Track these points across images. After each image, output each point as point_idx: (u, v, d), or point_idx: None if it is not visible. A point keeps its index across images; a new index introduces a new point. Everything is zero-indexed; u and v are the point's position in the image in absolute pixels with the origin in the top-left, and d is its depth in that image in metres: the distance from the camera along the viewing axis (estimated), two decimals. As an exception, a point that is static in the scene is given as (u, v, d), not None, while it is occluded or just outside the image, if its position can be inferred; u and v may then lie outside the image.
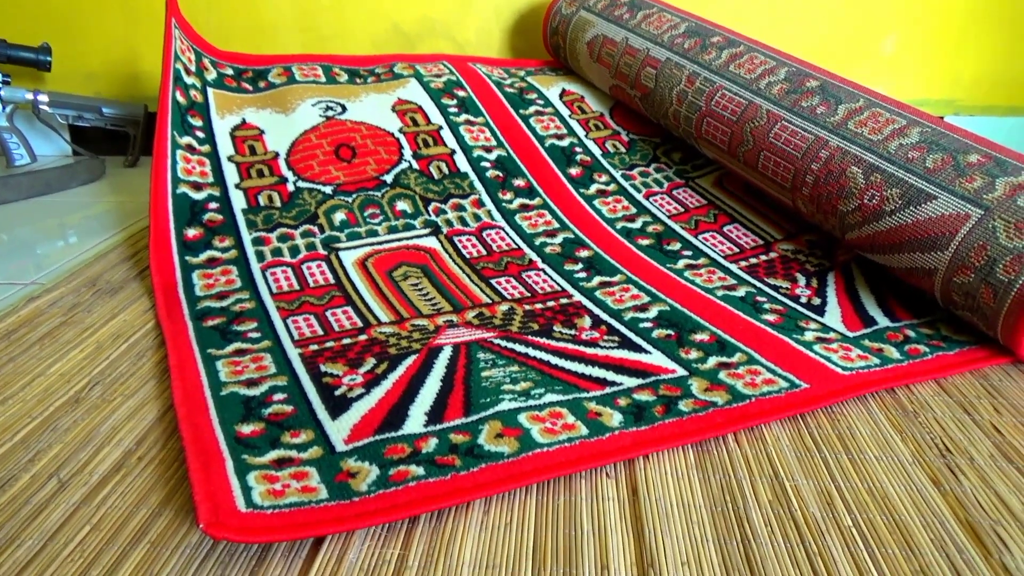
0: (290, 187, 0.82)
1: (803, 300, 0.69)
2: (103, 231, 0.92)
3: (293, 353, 0.60)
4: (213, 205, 0.78)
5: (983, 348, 0.61)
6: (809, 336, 0.62)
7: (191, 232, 0.75)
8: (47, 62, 1.15)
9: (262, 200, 0.80)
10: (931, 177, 0.64)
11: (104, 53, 1.24)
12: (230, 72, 0.94)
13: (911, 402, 0.55)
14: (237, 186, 0.81)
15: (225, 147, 0.84)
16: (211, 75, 0.92)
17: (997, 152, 0.65)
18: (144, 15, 1.21)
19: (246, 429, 0.49)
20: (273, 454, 0.47)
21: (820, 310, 0.68)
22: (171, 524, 0.42)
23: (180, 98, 0.84)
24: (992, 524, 0.42)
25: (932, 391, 0.56)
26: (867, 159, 0.69)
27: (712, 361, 0.58)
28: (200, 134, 0.84)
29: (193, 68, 0.89)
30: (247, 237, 0.76)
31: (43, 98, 1.16)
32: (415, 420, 0.50)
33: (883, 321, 0.66)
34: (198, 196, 0.79)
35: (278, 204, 0.80)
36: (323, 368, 0.57)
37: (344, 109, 0.92)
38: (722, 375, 0.56)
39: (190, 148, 0.82)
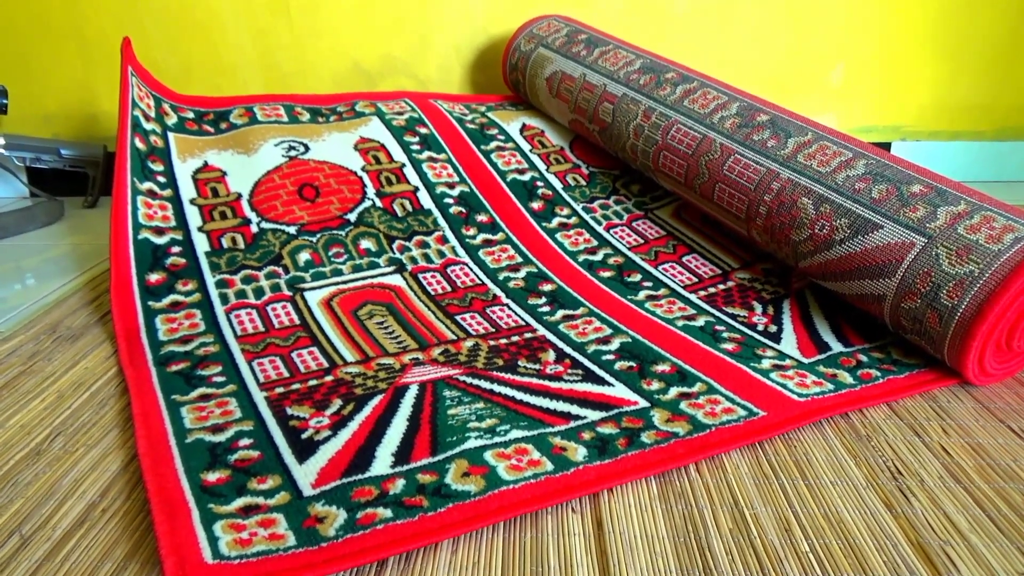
0: (254, 228, 0.83)
1: (760, 328, 0.71)
2: (62, 275, 0.91)
3: (259, 397, 0.60)
4: (176, 249, 0.78)
5: (932, 371, 0.64)
6: (766, 364, 0.64)
7: (153, 277, 0.75)
8: (3, 105, 1.14)
9: (225, 242, 0.81)
10: (877, 207, 0.67)
11: (61, 94, 1.24)
12: (191, 115, 0.94)
13: (864, 426, 0.57)
14: (200, 229, 0.81)
15: (187, 190, 0.84)
16: (171, 120, 0.92)
17: (938, 182, 0.68)
18: (101, 56, 1.20)
19: (212, 477, 0.49)
20: (240, 502, 0.47)
21: (776, 337, 0.70)
22: (136, 578, 0.42)
23: (140, 144, 0.84)
24: (941, 544, 0.44)
25: (884, 414, 0.59)
26: (816, 190, 0.71)
27: (673, 392, 0.60)
28: (161, 179, 0.84)
29: (152, 114, 0.89)
30: (210, 280, 0.76)
31: None
32: (382, 461, 0.51)
33: (836, 346, 0.68)
34: (160, 240, 0.78)
35: (241, 246, 0.81)
36: (289, 411, 0.57)
37: (307, 148, 0.93)
38: (683, 405, 0.58)
39: (151, 193, 0.82)
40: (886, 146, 1.29)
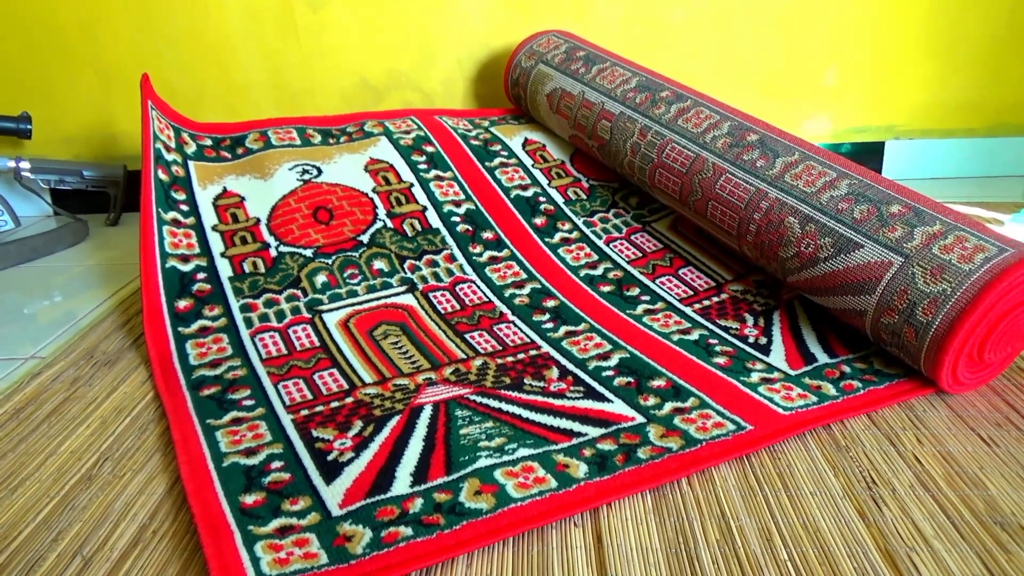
0: (273, 252, 0.88)
1: (751, 340, 0.76)
2: (93, 297, 0.96)
3: (286, 419, 0.65)
4: (201, 275, 0.84)
5: (910, 380, 0.68)
6: (755, 377, 0.69)
7: (182, 303, 0.80)
8: (28, 130, 1.19)
9: (247, 267, 0.86)
10: (858, 227, 0.71)
11: (81, 117, 1.29)
12: (209, 143, 0.99)
13: (844, 436, 0.62)
14: (222, 255, 0.86)
15: (209, 217, 0.89)
16: (191, 148, 0.97)
17: (916, 202, 0.72)
18: (118, 79, 1.25)
19: (249, 499, 0.54)
20: (275, 523, 0.52)
21: (766, 349, 0.74)
22: (189, 594, 0.47)
23: (162, 175, 0.89)
24: (907, 551, 0.49)
25: (863, 424, 0.63)
26: (803, 210, 0.76)
27: (668, 407, 0.65)
28: (184, 207, 0.89)
29: (173, 144, 0.94)
30: (235, 304, 0.81)
31: (25, 165, 1.20)
32: (402, 482, 0.56)
33: (822, 358, 0.73)
34: (186, 268, 0.84)
35: (262, 270, 0.86)
36: (315, 433, 0.62)
37: (320, 172, 0.98)
38: (676, 420, 0.62)
39: (176, 222, 0.87)
40: (880, 146, 1.32)
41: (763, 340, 0.76)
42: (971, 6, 1.23)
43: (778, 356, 0.73)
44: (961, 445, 0.60)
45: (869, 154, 1.32)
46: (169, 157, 0.92)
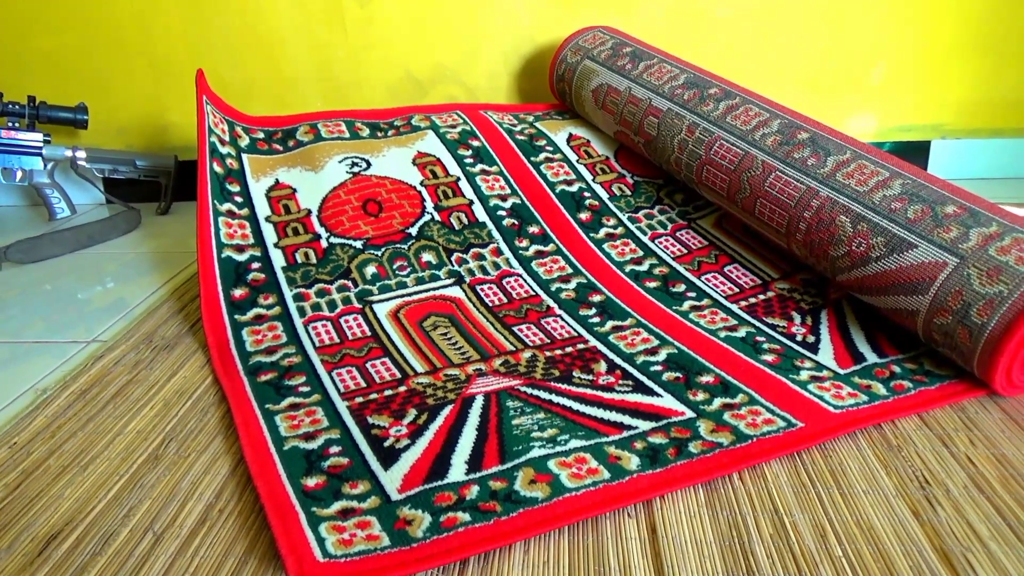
0: (323, 243, 0.90)
1: (799, 338, 0.76)
2: (149, 283, 0.99)
3: (341, 406, 0.67)
4: (255, 265, 0.86)
5: (962, 382, 0.68)
6: (804, 375, 0.69)
7: (237, 292, 0.83)
8: (84, 120, 1.23)
9: (299, 257, 0.88)
10: (912, 227, 0.71)
11: (134, 108, 1.32)
12: (261, 136, 1.01)
13: (895, 436, 0.62)
14: (275, 245, 0.88)
15: (262, 208, 0.92)
16: (244, 141, 0.99)
17: (971, 203, 0.71)
18: (170, 71, 1.28)
19: (311, 482, 0.56)
20: (337, 505, 0.54)
21: (814, 348, 0.74)
22: (257, 571, 0.49)
23: (217, 168, 0.91)
24: (963, 551, 0.49)
25: (915, 425, 0.63)
26: (854, 209, 0.76)
27: (717, 403, 0.65)
28: (239, 199, 0.91)
29: (227, 138, 0.96)
30: (288, 294, 0.83)
31: (81, 154, 1.24)
32: (457, 468, 0.57)
33: (871, 357, 0.72)
34: (241, 258, 0.86)
35: (314, 260, 0.88)
36: (370, 420, 0.64)
37: (369, 165, 0.99)
38: (726, 416, 0.63)
39: (231, 213, 0.89)
40: (926, 145, 1.31)
41: (811, 338, 0.76)
42: (1020, 1, 1.21)
43: (827, 355, 0.73)
44: (1015, 448, 0.59)
45: (914, 153, 1.31)
46: (223, 150, 0.95)
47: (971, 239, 0.68)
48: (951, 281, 0.67)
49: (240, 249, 0.87)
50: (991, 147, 1.31)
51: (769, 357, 0.72)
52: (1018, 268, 0.64)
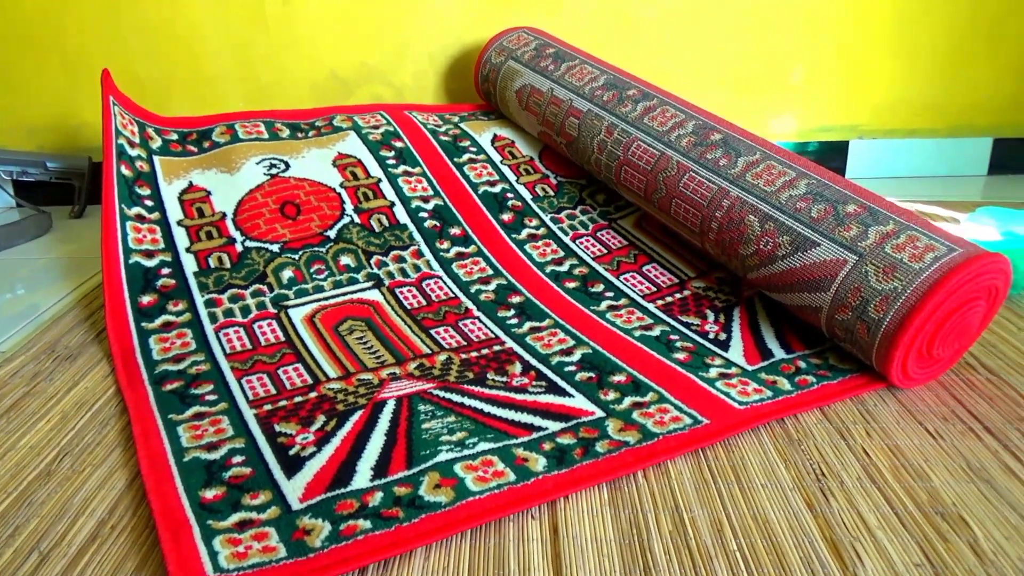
0: (238, 247, 0.87)
1: (711, 336, 0.77)
2: (56, 291, 0.95)
3: (249, 414, 0.65)
4: (165, 271, 0.83)
5: (862, 376, 0.70)
6: (713, 372, 0.70)
7: (145, 299, 0.80)
8: (-11, 121, 1.17)
9: (212, 262, 0.85)
10: (815, 226, 0.73)
11: (45, 106, 1.27)
12: (174, 137, 0.99)
13: (796, 431, 0.63)
14: (187, 250, 0.86)
15: (174, 212, 0.89)
16: (156, 143, 0.96)
17: (871, 202, 0.74)
18: (82, 68, 1.24)
19: (209, 494, 0.55)
20: (235, 517, 0.52)
21: (725, 345, 0.76)
22: (146, 589, 0.48)
23: (126, 171, 0.88)
24: (852, 540, 0.51)
25: (816, 419, 0.65)
26: (762, 208, 0.77)
27: (627, 401, 0.66)
28: (149, 203, 0.88)
29: (137, 140, 0.93)
30: (199, 300, 0.81)
31: (-14, 156, 1.18)
32: (362, 475, 0.56)
33: (779, 353, 0.74)
34: (150, 263, 0.83)
35: (228, 265, 0.85)
36: (277, 428, 0.63)
37: (287, 166, 0.97)
38: (635, 415, 0.64)
39: (139, 218, 0.86)
40: (844, 145, 1.35)
41: (723, 336, 0.78)
42: (934, 8, 1.26)
43: (737, 352, 0.75)
44: (908, 438, 0.62)
45: (834, 153, 1.35)
46: (133, 152, 0.92)
47: (869, 237, 0.70)
48: (851, 278, 0.69)
49: (149, 254, 0.84)
50: (906, 147, 1.36)
51: (681, 355, 0.73)
52: (911, 265, 0.66)
